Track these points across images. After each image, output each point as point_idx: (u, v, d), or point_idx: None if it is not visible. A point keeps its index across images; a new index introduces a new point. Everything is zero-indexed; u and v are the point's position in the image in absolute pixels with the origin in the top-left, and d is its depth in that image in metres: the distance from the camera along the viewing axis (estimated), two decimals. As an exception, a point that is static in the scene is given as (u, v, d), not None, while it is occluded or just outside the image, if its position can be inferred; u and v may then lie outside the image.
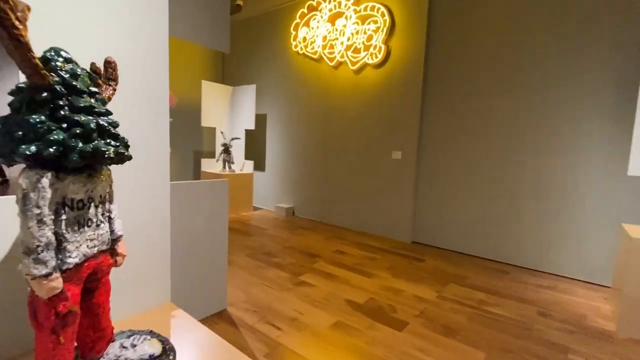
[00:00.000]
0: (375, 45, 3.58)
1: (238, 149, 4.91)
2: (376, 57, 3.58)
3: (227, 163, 4.67)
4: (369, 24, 3.62)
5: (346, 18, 3.82)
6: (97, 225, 0.53)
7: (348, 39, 3.80)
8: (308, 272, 2.59)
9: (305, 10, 4.25)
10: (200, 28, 1.73)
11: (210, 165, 4.82)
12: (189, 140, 5.31)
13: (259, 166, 5.18)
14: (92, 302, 0.55)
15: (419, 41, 3.35)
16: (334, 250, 3.14)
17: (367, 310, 2.03)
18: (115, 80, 0.63)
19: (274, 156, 4.93)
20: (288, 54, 4.60)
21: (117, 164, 0.54)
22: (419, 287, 2.40)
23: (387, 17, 3.48)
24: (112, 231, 0.57)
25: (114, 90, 0.62)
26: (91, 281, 0.54)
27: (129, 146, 0.56)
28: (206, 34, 1.75)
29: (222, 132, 4.72)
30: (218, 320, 1.83)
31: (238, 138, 4.67)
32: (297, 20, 4.35)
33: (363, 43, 3.68)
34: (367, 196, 3.85)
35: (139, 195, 1.33)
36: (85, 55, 0.67)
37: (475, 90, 3.13)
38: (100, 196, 0.54)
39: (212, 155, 5.40)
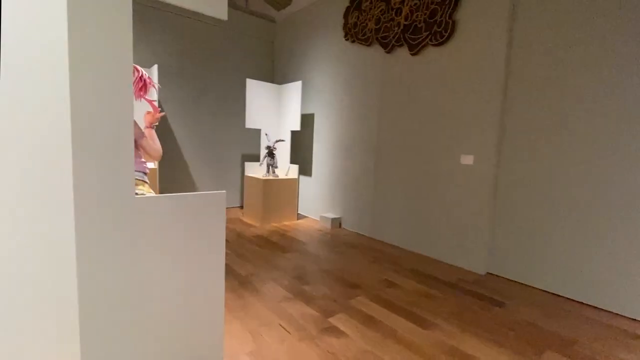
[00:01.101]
0: (441, 22, 2.85)
1: (283, 152, 4.53)
2: (442, 36, 2.85)
3: (270, 167, 4.31)
4: (433, -4, 2.91)
5: (405, -7, 3.15)
6: None
7: (406, 18, 3.12)
8: (342, 311, 2.00)
9: (357, -8, 3.68)
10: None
11: (254, 169, 4.52)
12: (238, 142, 5.10)
13: (305, 171, 4.73)
14: None
15: (501, 9, 2.54)
16: (381, 280, 2.50)
17: (416, 390, 1.38)
18: None
19: (321, 160, 4.44)
20: (338, 44, 4.07)
21: None
22: (499, 352, 1.65)
23: (457, -15, 2.74)
24: None
25: None
26: None
27: None
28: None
29: (266, 134, 4.39)
30: (205, 383, 1.37)
31: (282, 140, 4.29)
32: (348, 4, 3.80)
33: (424, 20, 2.97)
34: (427, 209, 3.11)
35: (17, 231, 0.86)
36: None
37: (584, 72, 2.22)
38: None
39: (259, 159, 5.14)
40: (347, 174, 4.01)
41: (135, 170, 1.55)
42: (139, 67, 1.52)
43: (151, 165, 3.85)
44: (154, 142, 1.65)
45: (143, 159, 1.63)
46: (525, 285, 2.53)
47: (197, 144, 4.69)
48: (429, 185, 3.09)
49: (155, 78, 3.80)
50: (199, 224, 1.36)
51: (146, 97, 1.63)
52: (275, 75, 5.34)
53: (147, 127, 1.70)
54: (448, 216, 2.95)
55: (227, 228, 3.86)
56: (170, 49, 4.32)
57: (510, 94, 2.59)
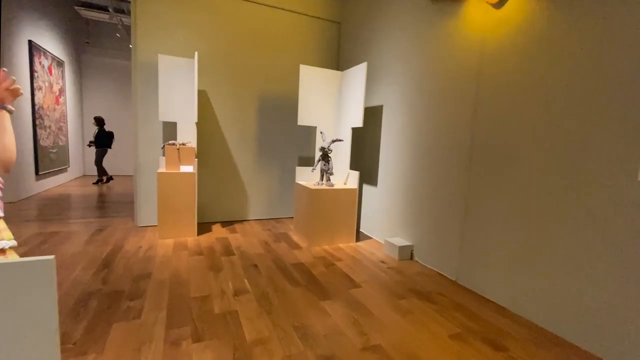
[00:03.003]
0: None
1: (341, 155, 3.62)
2: (608, -51, 1.57)
3: (325, 173, 3.45)
4: None
5: None
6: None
7: (531, -62, 1.90)
8: None
9: None
10: None
11: (306, 175, 3.72)
12: (295, 142, 4.38)
13: (369, 179, 3.74)
14: None
15: None
16: (472, 388, 1.41)
17: None
18: None
19: (390, 166, 3.39)
20: (418, 7, 2.98)
21: None
22: None
23: None
24: None
25: None
26: None
27: None
28: None
29: (321, 133, 3.54)
30: None
31: (340, 140, 3.38)
32: (433, -53, 2.69)
33: None
34: (565, 254, 1.84)
35: None
36: None
37: None
38: None
39: (313, 162, 4.34)
40: (425, 187, 2.89)
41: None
42: None
43: (189, 169, 3.36)
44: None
45: None
46: None
47: (248, 143, 4.11)
48: (568, 213, 1.82)
49: (195, 67, 3.30)
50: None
51: None
52: (341, 61, 4.45)
53: None
54: (610, 273, 1.64)
55: (265, 248, 3.13)
56: (214, 34, 3.79)
57: None
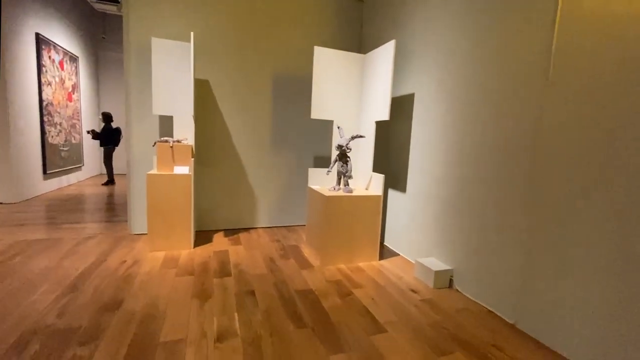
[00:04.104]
0: None
1: (362, 154, 3.03)
2: None
3: (342, 177, 2.88)
4: None
5: None
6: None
7: None
8: None
9: None
10: None
11: (321, 178, 3.15)
12: (313, 138, 3.83)
13: (396, 184, 3.11)
14: None
15: None
16: None
17: None
18: None
19: (423, 168, 2.75)
20: (461, -33, 2.33)
21: None
22: None
23: None
24: None
25: None
26: None
27: None
28: None
29: (338, 128, 2.96)
30: None
31: (361, 136, 2.79)
32: None
33: None
34: None
35: None
36: None
37: None
38: None
39: (328, 163, 3.77)
40: (469, 195, 2.24)
41: None
42: None
43: (184, 170, 2.90)
44: None
45: None
46: None
47: (255, 139, 3.60)
48: None
49: (190, 50, 2.83)
50: None
51: None
52: (364, 45, 3.84)
53: None
54: None
55: (269, 266, 2.61)
56: (217, 15, 3.29)
57: None
